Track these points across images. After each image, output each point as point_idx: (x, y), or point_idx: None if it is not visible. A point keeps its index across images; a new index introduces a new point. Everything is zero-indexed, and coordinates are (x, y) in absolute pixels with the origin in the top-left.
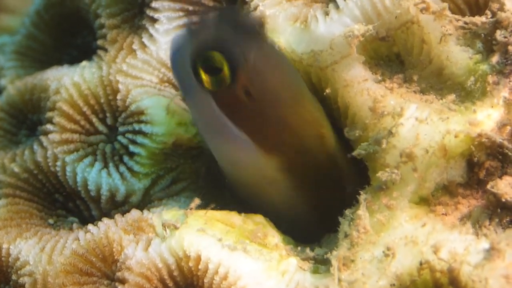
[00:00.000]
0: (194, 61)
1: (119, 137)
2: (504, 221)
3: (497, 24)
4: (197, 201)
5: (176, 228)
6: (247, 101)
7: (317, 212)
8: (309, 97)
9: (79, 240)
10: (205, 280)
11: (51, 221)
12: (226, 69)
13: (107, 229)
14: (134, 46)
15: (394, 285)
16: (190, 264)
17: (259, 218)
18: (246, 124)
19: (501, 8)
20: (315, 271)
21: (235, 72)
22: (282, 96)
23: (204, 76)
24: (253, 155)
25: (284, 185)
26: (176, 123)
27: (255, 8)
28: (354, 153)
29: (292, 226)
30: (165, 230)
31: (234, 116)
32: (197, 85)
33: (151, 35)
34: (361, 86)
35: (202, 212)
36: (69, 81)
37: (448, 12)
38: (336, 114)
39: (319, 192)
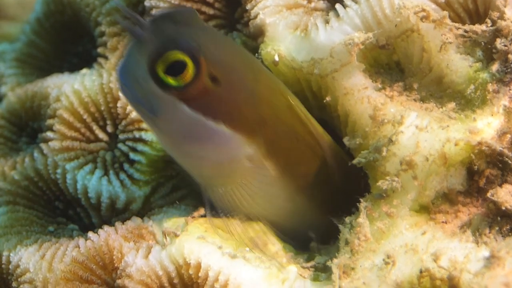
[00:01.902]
0: (154, 68)
1: (120, 145)
2: (504, 229)
3: (497, 33)
4: (201, 210)
5: (176, 235)
6: (215, 88)
7: (311, 202)
8: (264, 67)
9: (79, 248)
10: None
11: (51, 228)
12: (189, 63)
13: (107, 236)
14: None
15: None
16: (190, 271)
17: (259, 225)
18: (223, 112)
19: (501, 17)
20: (315, 279)
21: (198, 62)
22: (244, 70)
23: (170, 80)
24: (239, 146)
25: (273, 171)
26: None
27: (255, 17)
28: (354, 161)
29: (289, 220)
30: (165, 238)
31: (208, 110)
32: (162, 95)
33: None
34: (361, 94)
35: (202, 219)
36: (69, 89)
37: (448, 21)
38: (336, 122)
39: (308, 177)
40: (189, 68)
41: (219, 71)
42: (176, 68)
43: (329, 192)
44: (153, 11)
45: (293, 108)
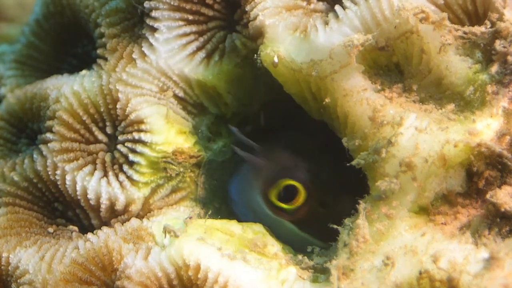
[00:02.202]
0: (267, 194)
1: (119, 146)
2: (504, 230)
3: (497, 34)
4: (197, 210)
5: (176, 235)
6: (325, 211)
7: None
8: None
9: (78, 249)
10: None
11: (50, 229)
12: (301, 189)
13: (106, 238)
14: (134, 55)
15: None
16: (190, 273)
17: (259, 227)
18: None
19: (501, 18)
20: (314, 280)
21: (309, 189)
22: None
23: (282, 205)
24: None
25: None
26: (176, 132)
27: (255, 18)
28: (353, 162)
29: None
30: (166, 234)
31: (317, 230)
32: (274, 217)
33: (151, 44)
34: (361, 96)
35: (201, 221)
36: (69, 90)
37: (447, 22)
38: (336, 123)
39: None
40: (301, 194)
41: (330, 196)
42: (288, 192)
43: None
44: (153, 13)
45: None
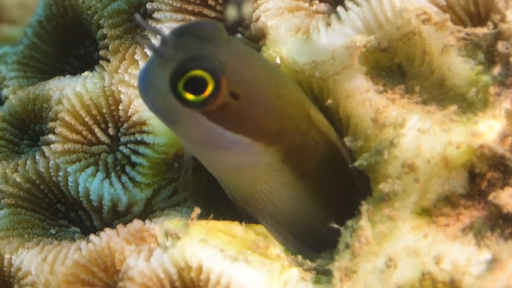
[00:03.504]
0: (175, 85)
1: (121, 147)
2: (506, 232)
3: (499, 35)
4: (197, 210)
5: (178, 237)
6: (236, 103)
7: (327, 208)
8: (287, 79)
9: (81, 250)
10: None
11: (53, 231)
12: (210, 81)
13: (109, 239)
14: (136, 57)
15: None
16: (192, 274)
17: (261, 228)
18: (242, 125)
19: (503, 19)
20: (317, 282)
21: (219, 81)
22: (266, 86)
23: (190, 96)
24: (258, 155)
25: (290, 176)
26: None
27: (257, 19)
28: (356, 163)
29: (302, 226)
30: (168, 238)
31: (228, 123)
32: (182, 108)
33: None
34: (363, 97)
35: (203, 222)
36: (71, 91)
37: (449, 23)
38: (338, 124)
39: (326, 184)
40: (210, 85)
41: (240, 88)
42: (197, 84)
43: (345, 197)
44: (155, 14)
45: (312, 118)
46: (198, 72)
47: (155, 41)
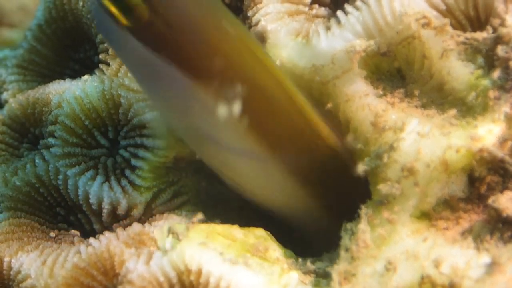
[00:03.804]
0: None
1: (121, 151)
2: (505, 235)
3: (498, 39)
4: (199, 215)
5: (178, 239)
6: (168, 31)
7: (307, 189)
8: (227, 12)
9: (80, 254)
10: None
11: (52, 234)
12: (141, 4)
13: (108, 242)
14: None
15: None
16: (192, 277)
17: (260, 231)
18: (171, 52)
19: (502, 24)
20: (316, 285)
21: (152, 5)
22: (199, 15)
23: (118, 15)
24: (189, 91)
25: (258, 146)
26: (178, 137)
27: (257, 23)
28: (358, 170)
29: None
30: (169, 236)
31: (159, 48)
32: (117, 28)
33: None
34: (363, 101)
35: (203, 225)
36: (71, 95)
37: (449, 28)
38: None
39: (302, 159)
40: (141, 9)
41: (173, 16)
42: (126, 7)
43: (329, 181)
44: None
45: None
46: None
47: None
